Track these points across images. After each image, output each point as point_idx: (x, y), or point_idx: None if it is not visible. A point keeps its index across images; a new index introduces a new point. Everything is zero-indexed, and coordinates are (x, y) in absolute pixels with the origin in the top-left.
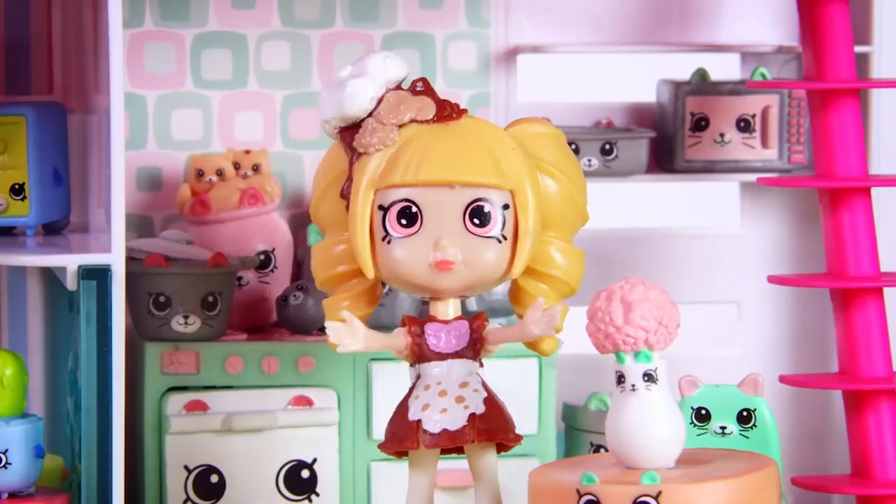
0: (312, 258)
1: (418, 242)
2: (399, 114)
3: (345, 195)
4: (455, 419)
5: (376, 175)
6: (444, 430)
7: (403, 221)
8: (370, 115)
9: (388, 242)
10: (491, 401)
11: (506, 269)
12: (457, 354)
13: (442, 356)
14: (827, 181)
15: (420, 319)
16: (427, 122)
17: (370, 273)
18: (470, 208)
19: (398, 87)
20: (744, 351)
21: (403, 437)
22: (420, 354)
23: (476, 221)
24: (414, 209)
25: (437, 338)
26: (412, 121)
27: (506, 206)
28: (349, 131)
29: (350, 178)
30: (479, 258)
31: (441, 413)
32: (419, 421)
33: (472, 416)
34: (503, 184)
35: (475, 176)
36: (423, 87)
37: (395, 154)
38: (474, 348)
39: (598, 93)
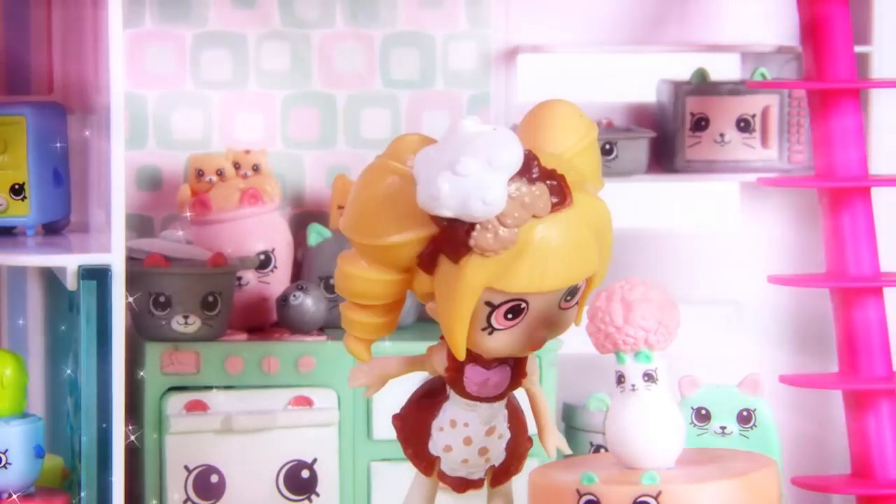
0: (346, 278)
1: (518, 332)
2: (522, 216)
3: (424, 264)
4: (474, 472)
5: (494, 277)
6: (462, 478)
7: (510, 316)
8: None
9: (490, 333)
10: (513, 441)
11: None
12: (489, 399)
13: (475, 398)
14: (827, 181)
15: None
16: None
17: (462, 357)
18: (567, 291)
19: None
20: (744, 351)
21: (420, 459)
22: (453, 386)
23: (569, 299)
24: (523, 305)
25: (476, 385)
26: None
27: None
28: (452, 220)
29: (434, 249)
30: (564, 326)
31: (462, 463)
32: (439, 458)
33: (492, 467)
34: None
35: (588, 272)
36: (538, 173)
37: (515, 257)
38: (508, 391)
39: (598, 93)
